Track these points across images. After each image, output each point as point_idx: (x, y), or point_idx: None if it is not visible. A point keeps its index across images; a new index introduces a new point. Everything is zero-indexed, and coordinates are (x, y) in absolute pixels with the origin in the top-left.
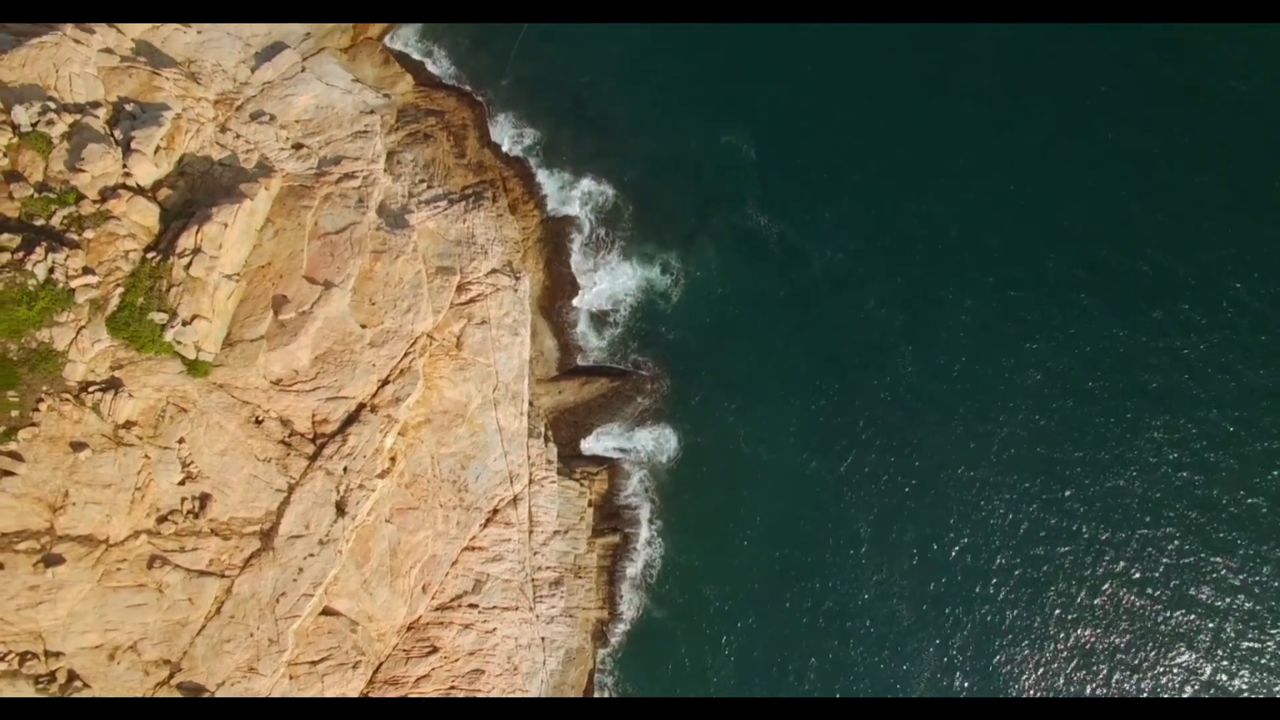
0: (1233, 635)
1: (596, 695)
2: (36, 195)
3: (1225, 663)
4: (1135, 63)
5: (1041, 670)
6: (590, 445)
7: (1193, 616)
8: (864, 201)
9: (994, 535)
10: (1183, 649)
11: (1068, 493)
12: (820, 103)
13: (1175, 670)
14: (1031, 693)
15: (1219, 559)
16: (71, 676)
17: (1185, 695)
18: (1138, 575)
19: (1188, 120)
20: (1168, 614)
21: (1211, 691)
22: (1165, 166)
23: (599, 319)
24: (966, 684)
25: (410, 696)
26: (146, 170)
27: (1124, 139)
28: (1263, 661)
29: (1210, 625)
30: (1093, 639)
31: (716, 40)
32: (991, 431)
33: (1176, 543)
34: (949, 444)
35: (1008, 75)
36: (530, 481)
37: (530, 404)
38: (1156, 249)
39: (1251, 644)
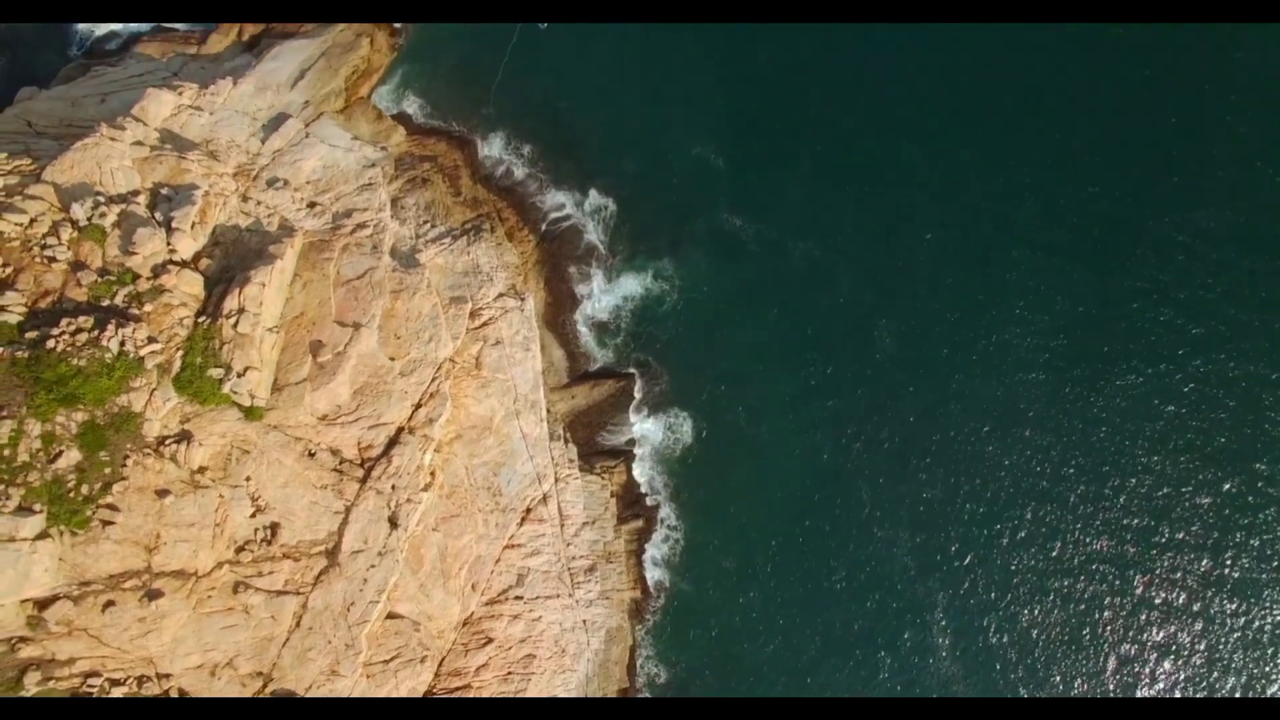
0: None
1: (639, 668)
2: (100, 280)
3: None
4: (1089, 60)
5: (1040, 612)
6: (606, 441)
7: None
8: (827, 194)
9: (983, 482)
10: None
11: (1044, 439)
12: (778, 110)
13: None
14: (1034, 634)
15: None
16: (181, 694)
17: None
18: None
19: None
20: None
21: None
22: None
23: (601, 327)
24: (978, 624)
25: (460, 697)
26: (187, 245)
27: (1077, 130)
28: None
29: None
30: (1085, 576)
31: (679, 59)
32: (969, 391)
33: (1185, 489)
34: (930, 405)
35: (958, 71)
36: (556, 480)
37: (548, 411)
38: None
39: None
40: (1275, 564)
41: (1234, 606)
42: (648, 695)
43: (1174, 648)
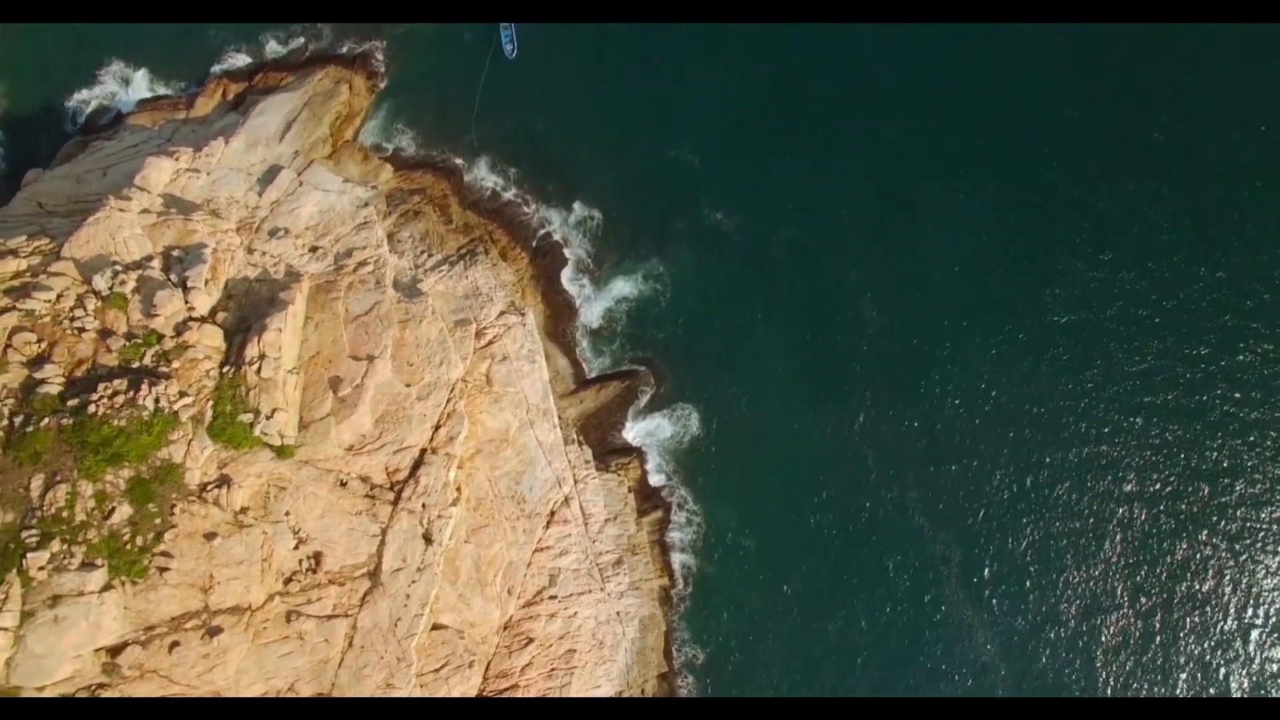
0: None
1: (676, 651)
2: (128, 344)
3: None
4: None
5: (1028, 541)
6: (618, 440)
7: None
8: (802, 181)
9: (981, 438)
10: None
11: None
12: (746, 106)
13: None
14: (1033, 568)
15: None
16: None
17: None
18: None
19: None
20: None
21: None
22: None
23: (600, 333)
24: (987, 572)
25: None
26: (204, 301)
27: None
28: None
29: None
30: (1091, 527)
31: (644, 70)
32: (959, 355)
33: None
34: (922, 369)
35: (913, 62)
36: (575, 482)
37: (559, 417)
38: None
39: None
40: None
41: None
42: (689, 678)
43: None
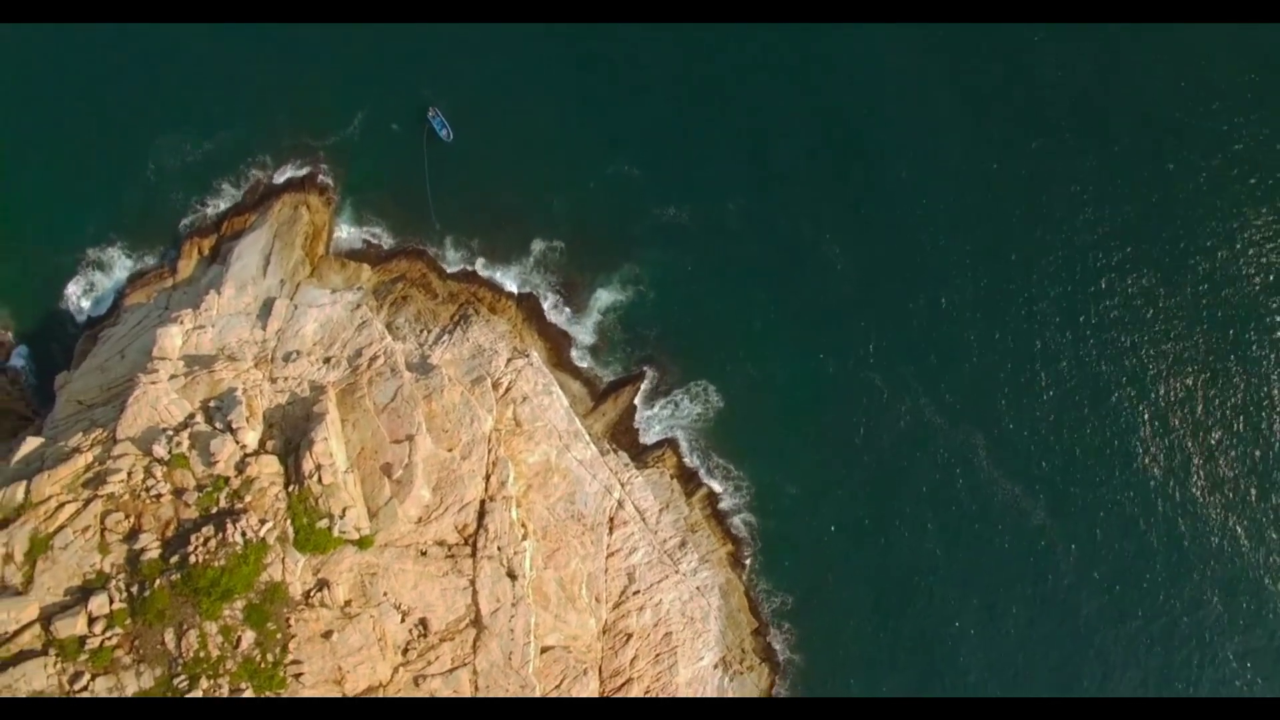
0: None
1: (761, 606)
2: (201, 494)
3: None
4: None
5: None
6: (647, 436)
7: None
8: (730, 161)
9: (964, 329)
10: None
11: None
12: (664, 110)
13: None
14: (1052, 430)
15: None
16: None
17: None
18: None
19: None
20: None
21: None
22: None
23: (599, 347)
24: (1011, 446)
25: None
26: (251, 437)
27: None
28: None
29: None
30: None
31: (567, 104)
32: (920, 268)
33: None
34: (899, 299)
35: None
36: (622, 485)
37: (589, 434)
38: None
39: None
40: None
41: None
42: (784, 623)
43: None
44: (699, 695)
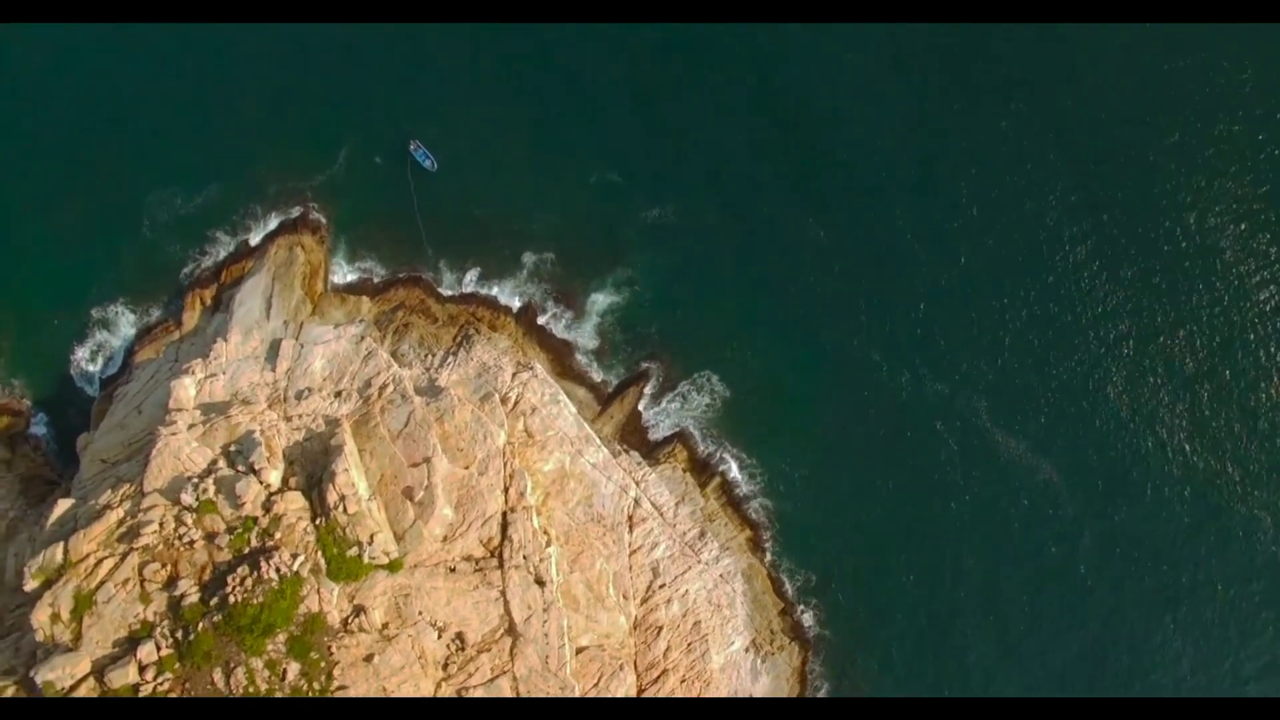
0: None
1: (784, 586)
2: (232, 536)
3: None
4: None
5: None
6: (655, 433)
7: None
8: (707, 159)
9: (954, 300)
10: None
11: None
12: (639, 116)
13: None
14: (1044, 385)
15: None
16: None
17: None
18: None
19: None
20: None
21: None
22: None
23: (600, 351)
24: (1009, 404)
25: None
26: (273, 476)
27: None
28: None
29: None
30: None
31: (545, 121)
32: (904, 241)
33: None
34: (881, 264)
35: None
36: (636, 484)
37: (599, 437)
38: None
39: None
40: None
41: None
42: (811, 600)
43: None
44: (734, 680)
